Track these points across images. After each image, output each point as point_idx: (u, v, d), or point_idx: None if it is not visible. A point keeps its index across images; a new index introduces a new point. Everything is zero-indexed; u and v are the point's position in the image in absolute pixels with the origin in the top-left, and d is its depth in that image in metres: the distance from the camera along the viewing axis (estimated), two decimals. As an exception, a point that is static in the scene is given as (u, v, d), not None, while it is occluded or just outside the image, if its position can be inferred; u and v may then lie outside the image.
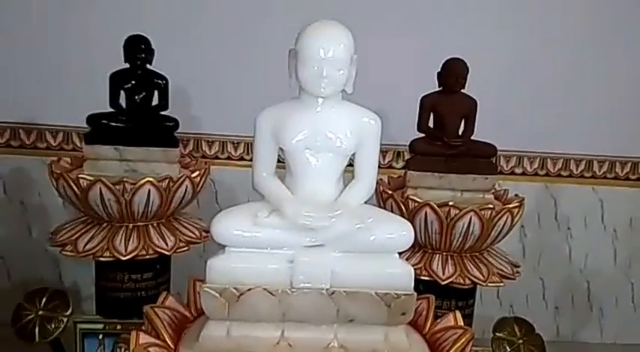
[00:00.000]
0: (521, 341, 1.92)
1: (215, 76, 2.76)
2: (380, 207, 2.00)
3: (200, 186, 2.14)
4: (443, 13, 2.79)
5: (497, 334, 1.93)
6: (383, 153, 2.85)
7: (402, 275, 1.30)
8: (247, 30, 2.73)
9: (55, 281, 2.84)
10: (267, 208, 1.31)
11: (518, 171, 2.97)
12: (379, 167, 1.45)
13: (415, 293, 1.30)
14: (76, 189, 1.91)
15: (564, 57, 2.85)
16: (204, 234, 2.19)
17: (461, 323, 1.41)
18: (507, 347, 1.92)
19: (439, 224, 1.95)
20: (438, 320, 1.44)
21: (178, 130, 2.20)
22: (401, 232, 1.33)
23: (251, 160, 2.70)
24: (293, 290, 1.26)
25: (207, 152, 2.88)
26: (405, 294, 1.28)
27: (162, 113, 2.18)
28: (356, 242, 1.30)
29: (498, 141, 2.22)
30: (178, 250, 2.06)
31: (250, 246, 1.29)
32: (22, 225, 2.83)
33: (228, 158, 2.90)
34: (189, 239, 2.11)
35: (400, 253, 1.35)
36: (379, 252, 1.32)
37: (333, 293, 1.26)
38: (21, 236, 2.83)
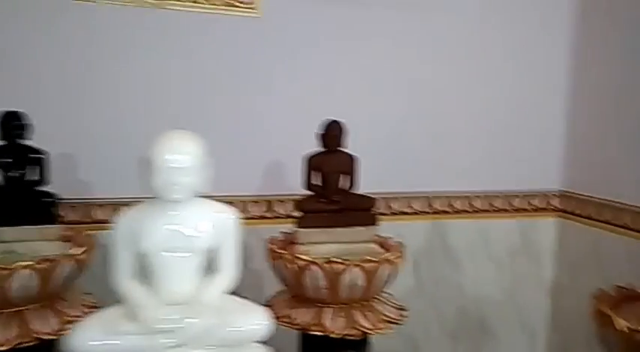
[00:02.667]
0: None
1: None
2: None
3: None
4: None
5: None
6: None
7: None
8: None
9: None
10: (125, 314, 1.38)
11: None
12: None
13: None
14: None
15: None
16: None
17: None
18: None
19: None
20: None
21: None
22: (256, 322, 1.41)
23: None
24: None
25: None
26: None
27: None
28: (215, 337, 1.34)
29: None
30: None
31: None
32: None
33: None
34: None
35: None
36: (240, 344, 1.36)
37: None
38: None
